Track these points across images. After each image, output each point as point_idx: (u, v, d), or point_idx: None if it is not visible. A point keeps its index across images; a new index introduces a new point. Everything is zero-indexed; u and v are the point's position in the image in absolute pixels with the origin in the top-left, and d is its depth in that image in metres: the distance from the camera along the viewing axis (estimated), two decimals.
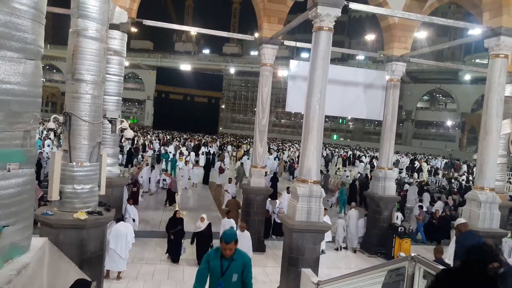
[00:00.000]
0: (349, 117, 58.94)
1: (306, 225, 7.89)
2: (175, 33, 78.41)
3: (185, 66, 63.31)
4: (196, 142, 35.21)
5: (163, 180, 19.67)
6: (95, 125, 6.81)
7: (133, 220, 11.52)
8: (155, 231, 12.92)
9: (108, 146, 9.84)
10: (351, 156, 40.05)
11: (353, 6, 8.40)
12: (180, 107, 55.01)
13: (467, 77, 55.51)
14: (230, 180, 16.78)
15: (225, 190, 16.68)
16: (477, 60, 55.46)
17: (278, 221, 12.81)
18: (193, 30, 13.66)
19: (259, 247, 11.79)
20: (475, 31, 11.18)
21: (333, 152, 41.28)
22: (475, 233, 7.69)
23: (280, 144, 47.54)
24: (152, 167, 19.39)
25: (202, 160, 26.33)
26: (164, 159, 24.40)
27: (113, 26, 9.61)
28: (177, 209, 9.98)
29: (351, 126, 75.26)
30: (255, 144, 12.60)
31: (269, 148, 31.67)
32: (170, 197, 16.61)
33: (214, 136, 51.09)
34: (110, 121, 8.32)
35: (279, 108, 68.06)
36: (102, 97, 7.06)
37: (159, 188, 19.07)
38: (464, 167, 36.14)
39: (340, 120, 71.95)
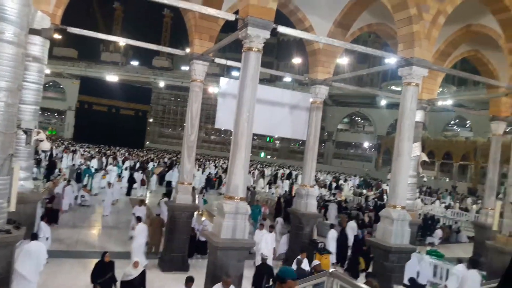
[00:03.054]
0: (276, 136, 60.54)
1: (231, 242, 7.91)
2: (102, 42, 75.36)
3: (112, 77, 60.91)
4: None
5: (81, 196, 18.70)
6: (8, 135, 6.29)
7: (46, 238, 10.72)
8: (71, 251, 12.13)
9: (21, 159, 9.14)
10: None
11: (281, 29, 8.76)
12: (104, 119, 52.56)
13: (384, 102, 59.91)
14: (140, 203, 14.36)
15: (132, 213, 14.16)
16: (393, 87, 60.07)
17: (202, 239, 12.66)
18: (122, 41, 13.32)
19: (182, 266, 11.60)
20: (391, 60, 12.17)
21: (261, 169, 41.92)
22: None
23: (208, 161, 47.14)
24: (68, 181, 18.05)
25: (125, 174, 25.41)
26: (87, 175, 22.87)
27: (34, 31, 9.06)
28: (106, 251, 8.63)
29: (277, 144, 77.15)
30: (182, 160, 12.43)
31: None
32: (52, 215, 14.14)
33: (158, 152, 50.04)
34: (25, 132, 7.75)
35: (209, 124, 67.79)
36: (17, 105, 6.56)
37: (76, 205, 18.05)
38: (384, 186, 38.52)
39: (268, 139, 73.52)
